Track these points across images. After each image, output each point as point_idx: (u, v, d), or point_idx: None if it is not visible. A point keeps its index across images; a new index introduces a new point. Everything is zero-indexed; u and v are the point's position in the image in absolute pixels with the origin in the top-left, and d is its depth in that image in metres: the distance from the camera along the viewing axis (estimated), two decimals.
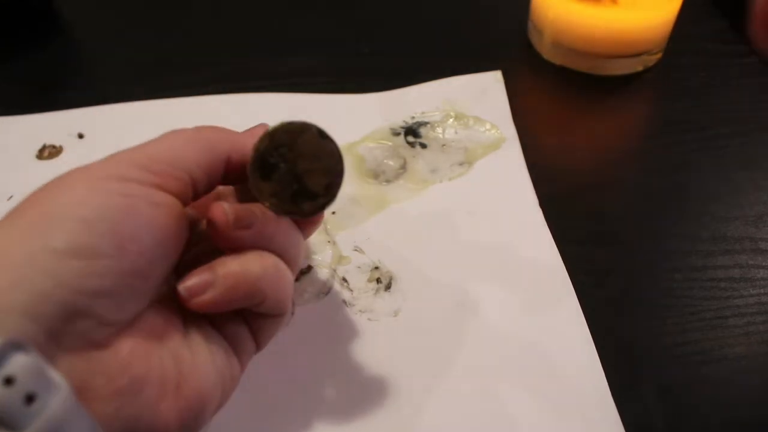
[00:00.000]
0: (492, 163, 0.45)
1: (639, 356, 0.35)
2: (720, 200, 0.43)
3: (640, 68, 0.52)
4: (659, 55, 0.53)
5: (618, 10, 0.48)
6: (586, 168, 0.46)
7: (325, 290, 0.38)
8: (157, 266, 0.25)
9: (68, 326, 0.21)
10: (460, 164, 0.45)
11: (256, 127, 0.31)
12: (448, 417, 0.33)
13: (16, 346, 0.19)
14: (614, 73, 0.52)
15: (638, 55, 0.51)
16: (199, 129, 0.28)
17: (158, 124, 0.47)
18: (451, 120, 0.48)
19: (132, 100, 0.50)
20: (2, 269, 0.21)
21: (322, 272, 0.39)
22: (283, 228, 0.28)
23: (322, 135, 0.27)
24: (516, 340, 0.36)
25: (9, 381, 0.18)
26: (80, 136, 0.48)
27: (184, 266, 0.26)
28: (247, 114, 0.48)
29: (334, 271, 0.39)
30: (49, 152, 0.47)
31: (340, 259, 0.40)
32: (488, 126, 0.47)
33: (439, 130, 0.47)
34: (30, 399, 0.19)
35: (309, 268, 0.39)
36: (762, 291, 0.38)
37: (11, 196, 0.44)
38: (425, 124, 0.48)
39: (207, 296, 0.25)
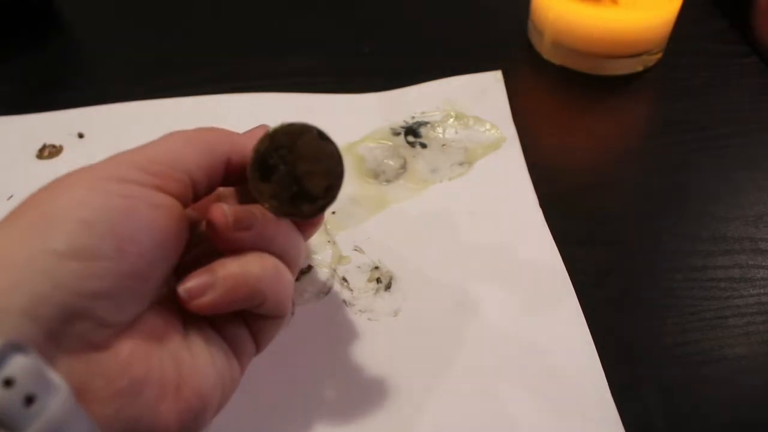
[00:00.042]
0: (492, 163, 0.45)
1: (639, 356, 0.35)
2: (720, 200, 0.43)
3: (640, 68, 0.52)
4: (659, 55, 0.53)
5: (618, 10, 0.48)
6: (586, 168, 0.46)
7: (325, 290, 0.38)
8: (156, 268, 0.24)
9: (68, 327, 0.21)
10: (460, 164, 0.45)
11: (256, 128, 0.31)
12: (448, 417, 0.33)
13: (15, 347, 0.19)
14: (614, 73, 0.52)
15: (638, 55, 0.51)
16: (199, 130, 0.28)
17: (158, 123, 0.48)
18: (451, 120, 0.48)
19: (132, 100, 0.50)
20: (2, 270, 0.21)
21: (322, 272, 0.39)
22: (283, 229, 0.28)
23: (322, 137, 0.27)
24: (516, 340, 0.36)
25: (8, 382, 0.18)
26: (80, 135, 0.48)
27: (184, 267, 0.26)
28: (247, 114, 0.49)
29: (334, 270, 0.39)
30: (49, 152, 0.47)
31: (340, 258, 0.40)
32: (488, 126, 0.47)
33: (440, 129, 0.47)
34: (29, 400, 0.19)
35: (309, 267, 0.39)
36: (762, 291, 0.38)
37: (11, 196, 0.44)
38: (425, 123, 0.48)
39: (207, 298, 0.25)
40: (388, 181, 0.44)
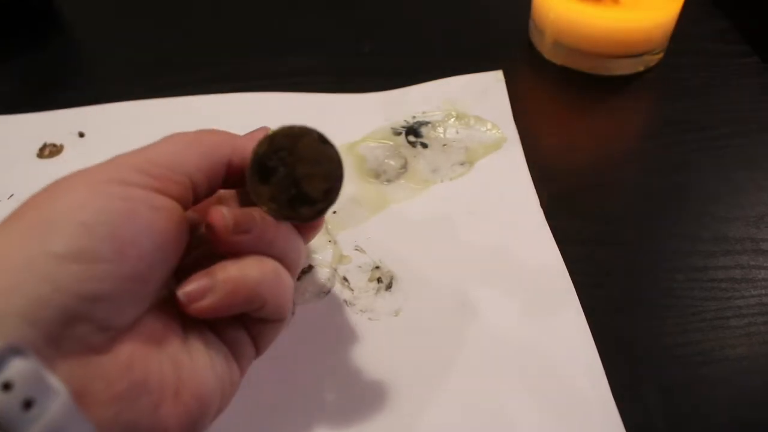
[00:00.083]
0: (493, 163, 0.45)
1: (639, 356, 0.35)
2: (720, 201, 0.43)
3: (641, 68, 0.52)
4: (660, 55, 0.53)
5: (619, 10, 0.48)
6: (586, 168, 0.46)
7: (326, 290, 0.38)
8: (156, 270, 0.24)
9: (67, 331, 0.21)
10: (461, 164, 0.45)
11: (257, 130, 0.31)
12: (448, 417, 0.33)
13: (14, 351, 0.19)
14: (615, 73, 0.52)
15: (639, 55, 0.51)
16: (199, 132, 0.28)
17: (159, 123, 0.48)
18: (452, 120, 0.48)
19: (132, 99, 0.50)
20: (1, 272, 0.21)
21: (323, 272, 0.39)
22: (282, 233, 0.27)
23: (322, 140, 0.27)
24: (517, 340, 0.36)
25: (7, 386, 0.18)
26: (81, 134, 0.48)
27: (184, 270, 0.26)
28: (247, 113, 0.49)
29: (335, 270, 0.39)
30: (49, 151, 0.47)
31: (341, 258, 0.40)
32: (489, 126, 0.47)
33: (440, 129, 0.47)
34: (28, 404, 0.19)
35: (310, 267, 0.39)
36: (763, 292, 0.38)
37: (11, 195, 0.44)
38: (426, 123, 0.48)
39: (206, 302, 0.25)
40: (389, 180, 0.44)
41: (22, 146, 0.47)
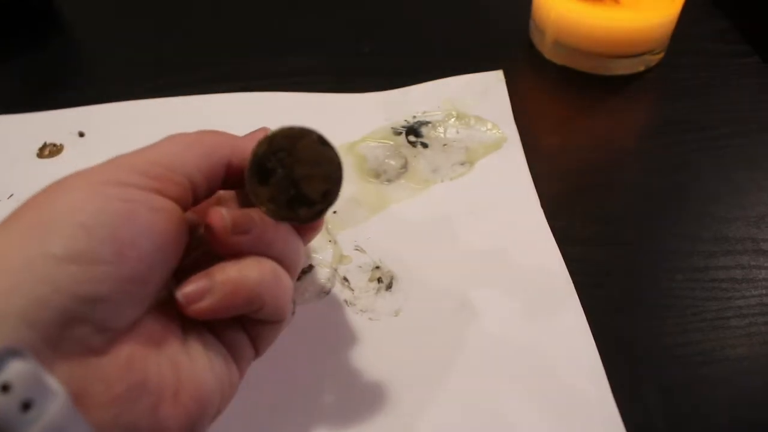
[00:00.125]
0: (493, 163, 0.45)
1: (640, 357, 0.35)
2: (721, 201, 0.43)
3: (642, 68, 0.52)
4: (661, 55, 0.53)
5: (620, 10, 0.48)
6: (587, 168, 0.46)
7: (326, 289, 0.38)
8: (156, 272, 0.24)
9: (66, 332, 0.21)
10: (462, 164, 0.45)
11: (256, 131, 0.30)
12: (448, 417, 0.33)
13: (13, 352, 0.19)
14: (616, 73, 0.52)
15: (640, 55, 0.51)
16: (199, 133, 0.28)
17: (159, 122, 0.48)
18: (452, 119, 0.48)
19: (132, 99, 0.50)
20: (1, 273, 0.21)
21: (323, 271, 0.39)
22: (282, 234, 0.27)
23: (322, 141, 0.27)
24: (517, 340, 0.36)
25: (5, 388, 0.18)
26: (81, 134, 0.48)
27: (183, 271, 0.26)
28: (247, 113, 0.49)
29: (335, 270, 0.39)
30: (49, 150, 0.47)
31: (341, 258, 0.40)
32: (489, 125, 0.47)
33: (441, 129, 0.47)
34: (26, 406, 0.18)
35: (310, 267, 0.39)
36: (764, 292, 0.38)
37: (11, 195, 0.44)
38: (427, 123, 0.48)
39: (205, 303, 0.25)
40: (389, 180, 0.44)
41: (22, 146, 0.47)
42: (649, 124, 0.50)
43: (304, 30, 0.58)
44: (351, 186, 0.43)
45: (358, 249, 0.40)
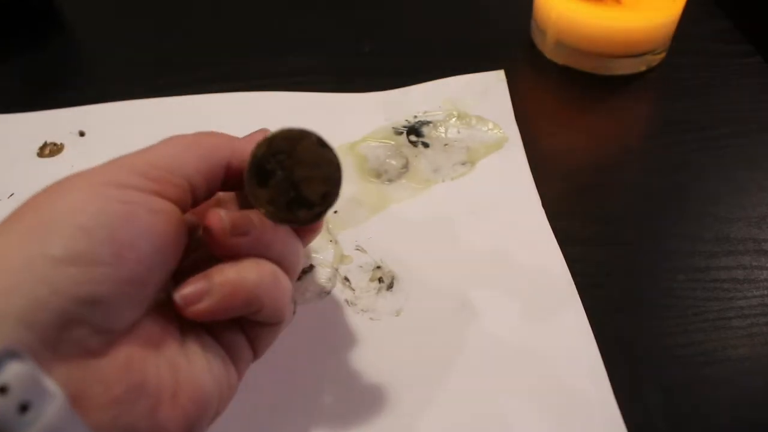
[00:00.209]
0: (494, 163, 0.45)
1: (641, 357, 0.35)
2: (722, 201, 0.43)
3: (643, 68, 0.52)
4: (662, 55, 0.53)
5: (621, 10, 0.48)
6: (588, 167, 0.46)
7: (327, 289, 0.38)
8: (155, 273, 0.24)
9: (64, 334, 0.21)
10: (463, 164, 0.45)
11: (256, 132, 0.30)
12: (449, 417, 0.33)
13: (11, 354, 0.19)
14: (617, 72, 0.52)
15: (641, 54, 0.51)
16: (198, 135, 0.28)
17: (159, 122, 0.48)
18: (453, 119, 0.48)
19: (132, 99, 0.50)
20: (0, 274, 0.21)
21: (324, 271, 0.39)
22: (281, 236, 0.27)
23: (321, 143, 0.27)
24: (518, 341, 0.35)
25: (3, 390, 0.18)
26: (81, 134, 0.48)
27: (182, 273, 0.26)
28: (247, 113, 0.49)
29: (336, 270, 0.39)
30: (50, 150, 0.47)
31: (342, 258, 0.40)
32: (491, 125, 0.47)
33: (442, 129, 0.47)
34: (24, 408, 0.18)
35: (311, 267, 0.39)
36: (765, 292, 0.38)
37: (12, 194, 0.44)
38: (428, 123, 0.48)
39: (203, 305, 0.25)
40: (390, 180, 0.44)
41: (22, 145, 0.47)
42: (649, 124, 0.50)
43: (304, 30, 0.58)
44: (352, 186, 0.43)
45: (359, 249, 0.40)
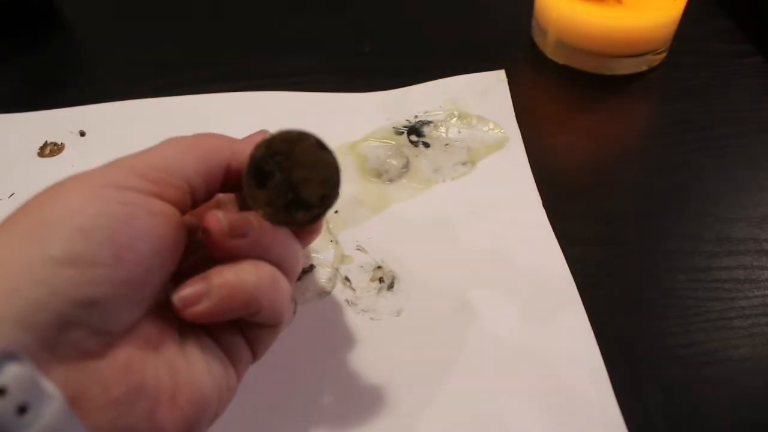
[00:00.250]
0: (495, 163, 0.45)
1: (641, 357, 0.35)
2: (722, 201, 0.43)
3: (644, 68, 0.52)
4: (663, 55, 0.53)
5: (622, 9, 0.48)
6: (588, 168, 0.46)
7: (328, 289, 0.38)
8: (154, 275, 0.24)
9: (63, 335, 0.21)
10: (463, 164, 0.45)
11: (255, 133, 0.30)
12: (449, 417, 0.33)
13: (9, 355, 0.18)
14: (618, 72, 0.52)
15: (642, 54, 0.51)
16: (198, 137, 0.28)
17: (159, 122, 0.48)
18: (454, 119, 0.48)
19: (132, 99, 0.50)
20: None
21: (325, 271, 0.39)
22: (279, 237, 0.27)
23: (320, 145, 0.26)
24: (519, 341, 0.35)
25: (1, 391, 0.18)
26: (82, 133, 0.48)
27: (181, 274, 0.26)
28: (247, 113, 0.49)
29: (337, 270, 0.39)
30: (50, 150, 0.47)
31: (343, 258, 0.39)
32: (491, 125, 0.47)
33: (442, 129, 0.47)
34: (22, 410, 0.18)
35: (311, 267, 0.39)
36: (766, 292, 0.38)
37: (12, 194, 0.43)
38: (428, 123, 0.47)
39: (201, 306, 0.25)
40: (390, 180, 0.44)
41: (22, 145, 0.47)
42: (650, 124, 0.50)
43: (304, 30, 0.58)
44: (352, 185, 0.43)
45: (359, 249, 0.40)
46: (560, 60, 0.53)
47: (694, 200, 0.43)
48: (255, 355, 0.28)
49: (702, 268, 0.39)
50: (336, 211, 0.42)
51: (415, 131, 0.47)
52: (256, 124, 0.32)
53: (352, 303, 0.37)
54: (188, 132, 0.28)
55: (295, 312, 0.37)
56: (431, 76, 0.51)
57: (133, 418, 0.22)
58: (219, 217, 0.25)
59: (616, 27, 0.49)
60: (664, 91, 0.52)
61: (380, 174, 0.44)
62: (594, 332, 0.36)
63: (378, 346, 0.36)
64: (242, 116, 0.48)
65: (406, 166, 0.45)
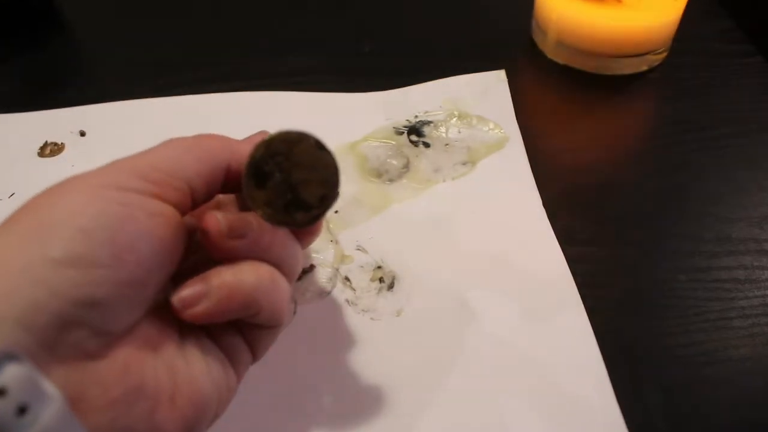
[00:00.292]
0: (495, 163, 0.45)
1: (641, 357, 0.35)
2: (722, 201, 0.43)
3: (645, 68, 0.52)
4: (664, 55, 0.53)
5: (623, 9, 0.48)
6: (588, 168, 0.46)
7: (328, 289, 0.38)
8: (154, 276, 0.24)
9: (62, 336, 0.21)
10: (464, 164, 0.45)
11: (256, 134, 0.30)
12: (449, 417, 0.33)
13: (9, 356, 0.18)
14: (618, 72, 0.52)
15: (643, 54, 0.51)
16: (198, 137, 0.28)
17: (159, 122, 0.48)
18: (454, 119, 0.48)
19: (132, 99, 0.50)
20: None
21: (325, 271, 0.39)
22: (279, 238, 0.27)
23: (319, 146, 0.26)
24: (519, 341, 0.35)
25: (1, 392, 0.18)
26: (82, 133, 0.48)
27: (181, 275, 0.26)
28: (247, 113, 0.48)
29: (337, 270, 0.39)
30: (50, 150, 0.47)
31: (343, 258, 0.39)
32: (491, 125, 0.47)
33: (443, 129, 0.47)
34: (22, 410, 0.18)
35: (311, 267, 0.39)
36: (767, 292, 0.38)
37: (12, 194, 0.43)
38: (428, 123, 0.47)
39: (200, 307, 0.25)
40: (391, 180, 0.44)
41: (23, 145, 0.47)
42: (650, 124, 0.50)
43: (304, 30, 0.58)
44: (353, 185, 0.43)
45: (359, 249, 0.40)
46: (560, 60, 0.53)
47: (694, 200, 0.43)
48: (255, 356, 0.28)
49: (702, 268, 0.39)
50: (336, 211, 0.42)
51: (415, 131, 0.47)
52: (256, 124, 0.32)
53: (352, 303, 0.37)
54: (188, 132, 0.28)
55: (295, 312, 0.37)
56: (431, 76, 0.51)
57: (132, 418, 0.22)
58: (218, 218, 0.25)
59: (616, 27, 0.49)
60: (664, 91, 0.52)
61: (380, 174, 0.44)
62: (594, 332, 0.36)
63: (378, 346, 0.35)
64: (242, 116, 0.48)
65: (407, 166, 0.45)
